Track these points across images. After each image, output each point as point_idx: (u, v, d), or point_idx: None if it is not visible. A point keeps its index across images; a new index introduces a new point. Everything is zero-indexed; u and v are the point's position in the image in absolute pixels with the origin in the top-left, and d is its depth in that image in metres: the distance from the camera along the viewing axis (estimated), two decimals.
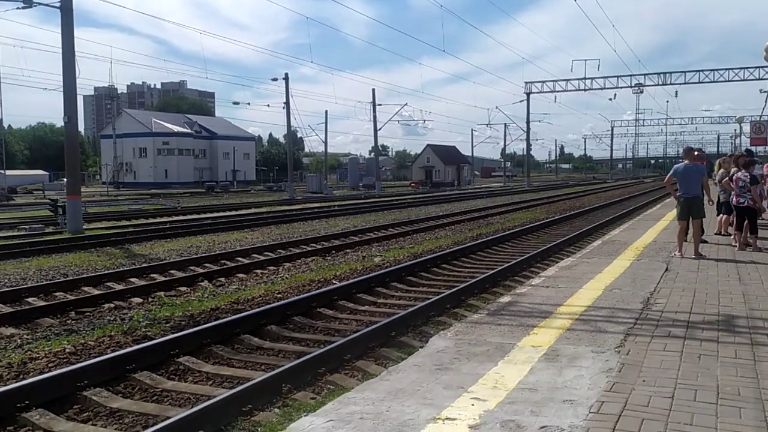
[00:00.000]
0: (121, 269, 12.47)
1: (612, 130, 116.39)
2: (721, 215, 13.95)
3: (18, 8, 21.92)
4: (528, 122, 72.20)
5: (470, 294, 9.90)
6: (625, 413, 3.92)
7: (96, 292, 10.57)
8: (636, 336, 5.76)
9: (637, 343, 5.54)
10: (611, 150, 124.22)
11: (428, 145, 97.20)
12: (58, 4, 20.50)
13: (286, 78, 49.88)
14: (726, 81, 55.43)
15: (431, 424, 3.81)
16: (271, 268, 13.13)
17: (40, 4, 21.10)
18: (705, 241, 11.99)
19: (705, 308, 6.91)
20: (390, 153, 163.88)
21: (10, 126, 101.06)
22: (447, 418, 3.89)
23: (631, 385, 4.43)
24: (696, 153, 11.71)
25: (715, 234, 13.69)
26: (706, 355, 5.15)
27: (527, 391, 4.37)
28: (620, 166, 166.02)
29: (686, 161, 10.94)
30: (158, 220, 26.36)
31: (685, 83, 57.64)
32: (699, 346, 5.42)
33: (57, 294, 10.46)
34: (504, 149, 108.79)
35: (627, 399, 4.17)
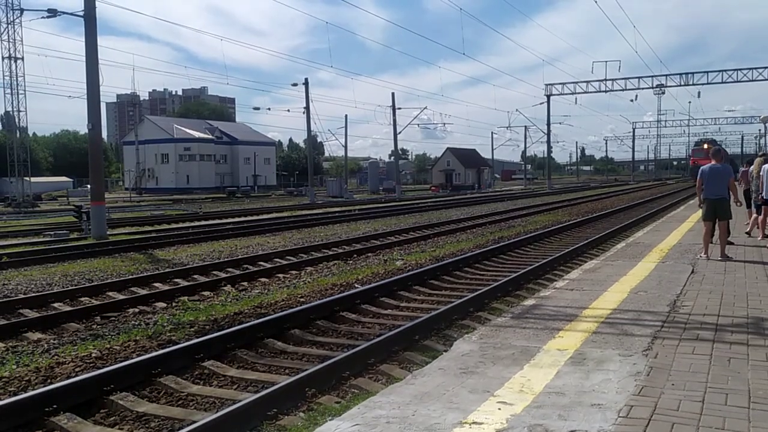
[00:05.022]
0: (145, 274, 12.58)
1: (633, 131, 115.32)
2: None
3: (43, 17, 22.30)
4: (548, 124, 71.76)
5: (494, 297, 9.84)
6: (655, 417, 3.87)
7: (121, 296, 10.67)
8: (663, 339, 5.69)
9: (664, 346, 5.46)
10: (633, 152, 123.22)
11: (448, 148, 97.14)
12: (81, 13, 20.77)
13: (306, 83, 50.02)
14: (749, 81, 54.67)
15: (458, 428, 3.79)
16: (294, 272, 13.16)
17: (64, 13, 21.42)
18: (731, 243, 11.82)
19: (733, 311, 6.80)
20: (410, 156, 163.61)
21: (34, 133, 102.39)
22: (474, 422, 3.86)
23: (660, 389, 4.37)
24: (707, 146, 11.59)
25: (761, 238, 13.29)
26: (735, 359, 5.07)
27: (554, 395, 4.32)
28: (642, 167, 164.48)
29: (713, 162, 10.79)
30: (180, 225, 26.54)
31: (707, 83, 56.88)
32: (728, 349, 5.33)
33: (82, 299, 10.57)
34: (524, 152, 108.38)
35: (656, 403, 4.11)
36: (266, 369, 6.75)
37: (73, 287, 11.27)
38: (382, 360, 6.73)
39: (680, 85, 58.38)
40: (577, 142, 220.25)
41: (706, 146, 54.01)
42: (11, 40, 44.88)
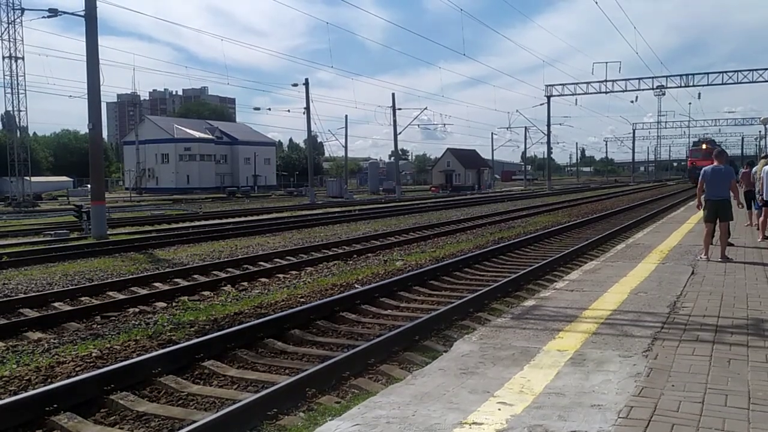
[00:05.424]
0: (145, 274, 12.59)
1: (633, 132, 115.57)
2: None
3: (43, 17, 22.32)
4: (548, 125, 71.87)
5: (494, 298, 9.84)
6: (655, 418, 3.87)
7: (121, 296, 10.67)
8: (663, 340, 5.69)
9: (664, 347, 5.47)
10: (633, 153, 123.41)
11: (448, 148, 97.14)
12: (82, 13, 20.77)
13: (306, 83, 49.97)
14: (750, 82, 54.69)
15: (458, 428, 3.79)
16: (294, 272, 13.16)
17: (65, 13, 21.44)
18: (731, 244, 11.82)
19: (733, 312, 6.81)
20: (410, 157, 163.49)
21: (35, 133, 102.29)
22: (474, 423, 3.86)
23: (660, 390, 4.38)
24: (705, 147, 11.61)
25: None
26: (735, 360, 5.07)
27: (554, 395, 4.33)
28: (642, 168, 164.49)
29: (716, 163, 10.77)
30: (181, 225, 26.53)
31: (708, 84, 56.85)
32: (728, 351, 5.34)
33: (83, 299, 10.58)
34: (524, 152, 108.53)
35: (656, 404, 4.11)
36: (266, 369, 6.76)
37: (74, 287, 11.28)
38: (382, 360, 6.73)
39: (680, 87, 58.40)
40: (577, 143, 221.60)
41: (704, 147, 54.00)
42: (12, 40, 44.95)
